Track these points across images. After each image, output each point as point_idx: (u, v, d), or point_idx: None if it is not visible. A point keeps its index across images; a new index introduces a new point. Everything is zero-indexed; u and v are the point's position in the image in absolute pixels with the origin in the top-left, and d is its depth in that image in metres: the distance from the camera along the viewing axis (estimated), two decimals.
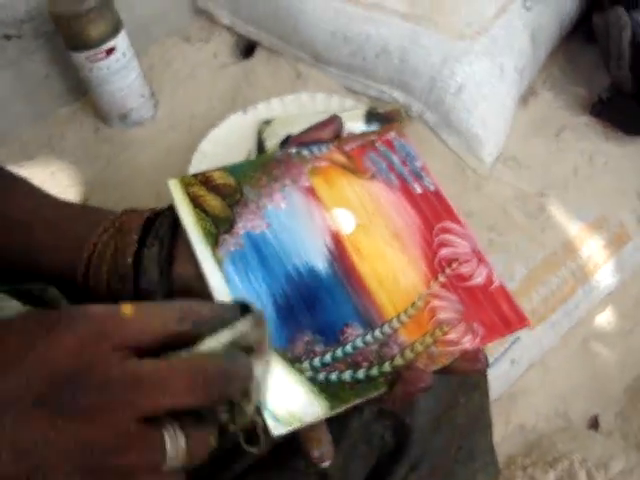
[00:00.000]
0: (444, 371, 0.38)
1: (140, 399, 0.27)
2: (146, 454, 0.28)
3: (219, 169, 0.43)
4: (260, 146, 0.96)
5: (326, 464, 0.37)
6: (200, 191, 0.41)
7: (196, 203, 0.41)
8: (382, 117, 0.96)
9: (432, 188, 0.45)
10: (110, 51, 0.93)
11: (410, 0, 0.99)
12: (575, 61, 1.14)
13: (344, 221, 0.42)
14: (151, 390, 0.27)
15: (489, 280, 0.41)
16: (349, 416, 0.48)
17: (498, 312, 0.40)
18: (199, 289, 0.40)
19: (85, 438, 0.26)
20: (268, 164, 0.44)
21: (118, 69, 0.95)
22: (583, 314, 0.97)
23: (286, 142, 0.94)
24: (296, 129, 0.96)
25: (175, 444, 0.28)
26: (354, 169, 0.45)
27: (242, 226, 0.40)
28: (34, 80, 1.03)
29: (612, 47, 1.00)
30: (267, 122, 0.99)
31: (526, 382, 0.96)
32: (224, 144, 0.98)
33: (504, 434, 0.95)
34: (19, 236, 0.45)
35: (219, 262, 0.39)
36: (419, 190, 0.44)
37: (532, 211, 0.93)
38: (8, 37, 0.97)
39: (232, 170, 0.43)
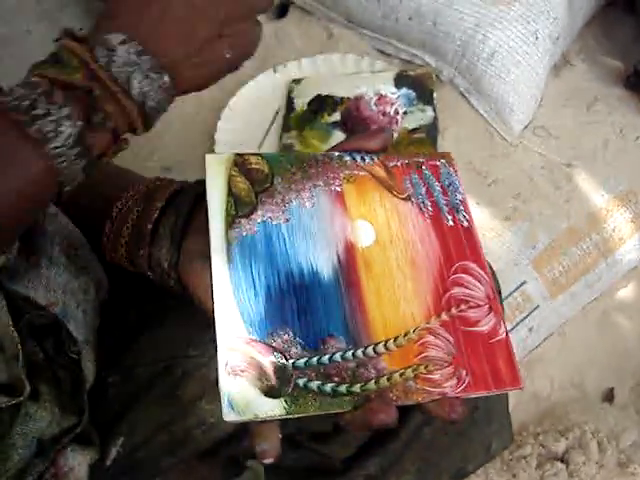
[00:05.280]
0: (417, 407, 0.37)
1: None
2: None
3: (257, 154, 0.42)
4: (289, 105, 0.96)
5: (269, 461, 0.36)
6: (232, 171, 0.41)
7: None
8: (412, 80, 0.95)
9: (465, 224, 0.43)
10: None
11: None
12: (612, 32, 1.12)
13: (364, 234, 0.41)
14: None
15: (494, 330, 0.39)
16: None
17: (492, 366, 0.38)
18: (201, 267, 0.40)
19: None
20: (306, 161, 0.43)
21: None
22: (605, 287, 0.97)
23: (315, 101, 0.95)
24: (326, 89, 0.97)
25: None
26: (391, 186, 0.43)
27: (261, 214, 0.40)
28: None
29: None
30: (297, 81, 0.99)
31: (543, 351, 0.96)
32: (253, 102, 0.98)
33: (518, 401, 0.96)
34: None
35: (229, 243, 0.38)
36: (451, 223, 0.43)
37: (559, 181, 0.93)
38: None
39: (269, 158, 0.42)
